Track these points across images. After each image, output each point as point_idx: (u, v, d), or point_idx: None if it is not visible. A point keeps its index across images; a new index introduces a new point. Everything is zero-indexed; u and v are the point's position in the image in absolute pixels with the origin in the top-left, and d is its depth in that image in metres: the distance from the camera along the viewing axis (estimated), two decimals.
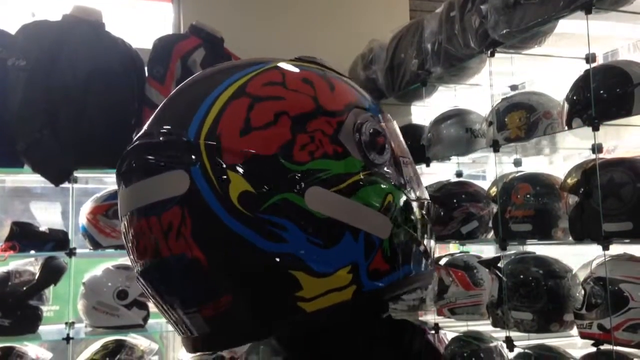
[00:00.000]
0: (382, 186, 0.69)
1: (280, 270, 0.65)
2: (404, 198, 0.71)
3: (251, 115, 0.67)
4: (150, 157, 0.67)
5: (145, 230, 0.66)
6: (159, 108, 0.74)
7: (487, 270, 2.33)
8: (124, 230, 0.70)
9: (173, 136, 0.67)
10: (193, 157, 0.65)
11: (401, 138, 0.77)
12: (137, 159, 0.68)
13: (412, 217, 0.72)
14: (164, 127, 0.69)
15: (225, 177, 0.64)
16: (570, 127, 1.95)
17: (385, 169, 0.70)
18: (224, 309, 0.66)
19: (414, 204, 0.73)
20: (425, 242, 0.75)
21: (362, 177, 0.67)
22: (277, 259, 0.64)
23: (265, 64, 0.73)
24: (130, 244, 0.69)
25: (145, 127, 0.71)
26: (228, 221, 0.63)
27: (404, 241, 0.70)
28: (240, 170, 0.64)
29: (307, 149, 0.66)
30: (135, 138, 0.70)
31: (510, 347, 2.12)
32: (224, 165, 0.64)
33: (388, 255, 0.68)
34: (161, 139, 0.68)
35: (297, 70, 0.73)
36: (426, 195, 0.78)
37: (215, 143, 0.65)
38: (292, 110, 0.67)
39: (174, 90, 0.75)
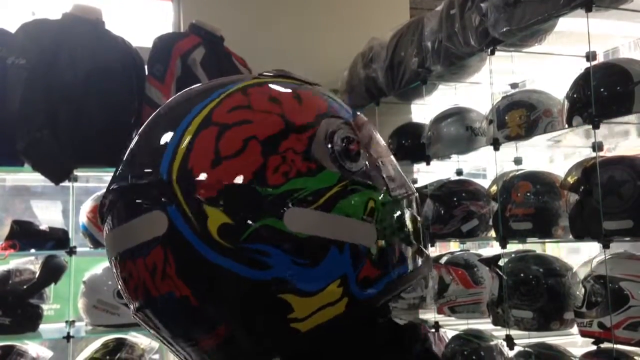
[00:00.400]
0: (362, 193, 0.68)
1: (269, 296, 0.64)
2: (387, 199, 0.70)
3: (220, 145, 0.65)
4: (127, 200, 0.68)
5: (132, 272, 0.67)
6: (130, 147, 0.73)
7: (487, 268, 2.33)
8: (114, 271, 0.70)
9: (146, 177, 0.66)
10: (168, 196, 0.64)
11: (378, 137, 0.75)
12: (115, 203, 0.69)
13: (399, 215, 0.72)
14: (137, 168, 0.69)
15: (201, 212, 0.63)
16: (570, 125, 1.95)
17: (363, 174, 0.69)
18: (222, 339, 0.66)
19: (400, 202, 0.73)
20: (415, 236, 0.74)
21: (339, 189, 0.66)
22: (264, 286, 0.64)
23: (230, 86, 0.71)
24: (121, 284, 0.70)
25: (119, 169, 0.72)
26: (210, 256, 0.63)
27: (392, 243, 0.70)
28: (216, 203, 0.63)
29: (280, 170, 0.64)
30: (111, 182, 0.72)
31: (511, 345, 2.12)
32: (200, 200, 0.63)
33: (377, 261, 0.68)
34: (135, 181, 0.68)
35: (262, 89, 0.71)
36: (411, 188, 0.77)
37: (187, 179, 0.64)
38: (261, 134, 0.66)
39: (144, 126, 0.74)
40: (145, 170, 0.67)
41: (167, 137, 0.67)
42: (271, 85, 0.72)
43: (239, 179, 0.64)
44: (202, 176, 0.64)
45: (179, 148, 0.66)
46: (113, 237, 0.69)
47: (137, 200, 0.67)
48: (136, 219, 0.66)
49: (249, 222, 0.63)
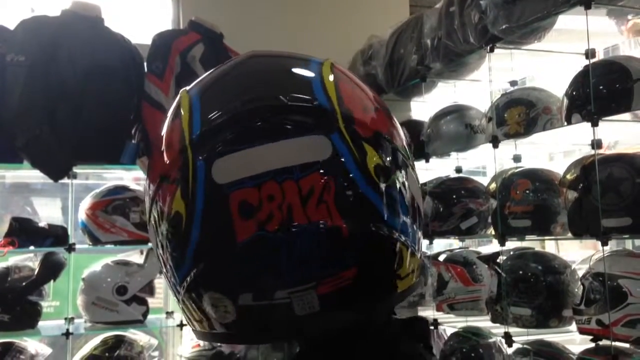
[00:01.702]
0: None
1: (392, 244, 0.66)
2: None
3: (361, 96, 0.71)
4: (280, 119, 0.64)
5: (275, 194, 0.61)
6: (236, 78, 0.71)
7: (486, 266, 2.33)
8: (236, 197, 0.62)
9: (302, 102, 0.66)
10: (331, 124, 0.64)
11: None
12: (263, 120, 0.64)
13: None
14: (285, 90, 0.66)
15: (361, 147, 0.65)
16: (569, 122, 1.95)
17: None
18: (344, 284, 0.64)
19: None
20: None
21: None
22: (392, 232, 0.66)
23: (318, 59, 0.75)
24: (245, 207, 0.62)
25: (240, 93, 0.67)
26: (365, 190, 0.64)
27: None
28: (372, 143, 0.66)
29: (397, 135, 0.71)
30: (239, 102, 0.65)
31: (509, 342, 2.12)
32: (360, 136, 0.65)
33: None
34: (289, 102, 0.65)
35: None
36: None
37: (347, 112, 0.65)
38: (379, 101, 0.73)
39: (239, 63, 0.74)
40: (301, 95, 0.66)
41: (303, 72, 0.70)
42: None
43: (383, 129, 0.68)
44: (360, 116, 0.67)
45: (325, 81, 0.67)
46: (255, 154, 0.63)
47: (293, 121, 0.64)
48: (293, 139, 0.63)
49: (391, 169, 0.67)
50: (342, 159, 0.63)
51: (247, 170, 0.62)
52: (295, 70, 0.71)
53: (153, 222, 0.70)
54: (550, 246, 2.69)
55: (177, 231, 0.65)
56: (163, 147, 0.69)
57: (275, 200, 0.61)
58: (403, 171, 0.69)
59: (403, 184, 0.68)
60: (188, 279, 0.66)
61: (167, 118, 0.74)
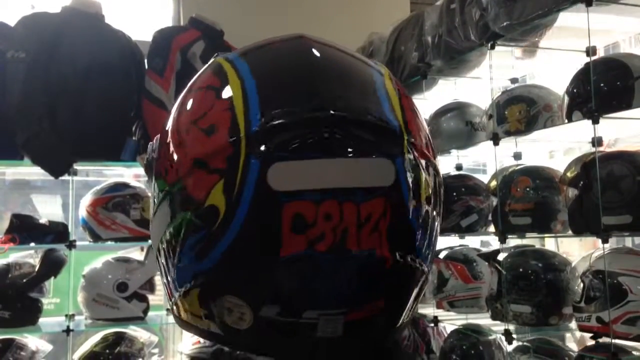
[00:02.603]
0: None
1: (423, 276, 0.64)
2: None
3: (418, 116, 0.65)
4: (350, 134, 0.59)
5: (334, 215, 0.57)
6: (298, 70, 0.64)
7: (486, 263, 2.33)
8: (291, 208, 0.57)
9: (373, 118, 0.60)
10: (399, 148, 0.60)
11: None
12: (332, 132, 0.58)
13: None
14: (352, 103, 0.61)
15: (419, 176, 0.61)
16: (570, 120, 1.94)
17: None
18: (371, 313, 0.62)
19: None
20: None
21: None
22: (424, 264, 0.64)
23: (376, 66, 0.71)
24: (296, 224, 0.57)
25: (306, 94, 0.61)
26: (412, 221, 0.60)
27: None
28: (426, 171, 0.62)
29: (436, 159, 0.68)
30: (306, 106, 0.59)
31: (509, 340, 2.12)
32: (419, 164, 0.61)
33: None
34: (360, 117, 0.60)
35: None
36: None
37: (411, 138, 0.61)
38: (424, 120, 0.69)
39: (296, 49, 0.66)
40: (372, 111, 0.61)
41: (372, 83, 0.64)
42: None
43: (433, 156, 0.64)
44: (418, 139, 0.62)
45: (391, 96, 0.63)
46: (317, 166, 0.58)
47: (365, 137, 0.59)
48: (367, 159, 0.58)
49: (438, 200, 0.65)
50: (402, 187, 0.60)
51: (309, 182, 0.57)
52: (360, 76, 0.66)
53: (163, 197, 0.64)
54: (550, 244, 2.69)
55: (208, 225, 0.60)
56: (201, 124, 0.62)
57: (332, 220, 0.57)
58: (439, 199, 0.65)
59: (439, 213, 0.65)
60: (206, 275, 0.62)
61: (201, 84, 0.67)
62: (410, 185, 0.60)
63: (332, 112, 0.58)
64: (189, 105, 0.67)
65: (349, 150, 0.58)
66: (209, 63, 0.71)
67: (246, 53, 0.69)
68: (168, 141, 0.66)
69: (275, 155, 0.58)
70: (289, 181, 0.57)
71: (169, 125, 0.68)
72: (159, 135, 0.70)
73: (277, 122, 0.58)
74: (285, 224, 0.57)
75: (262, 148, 0.58)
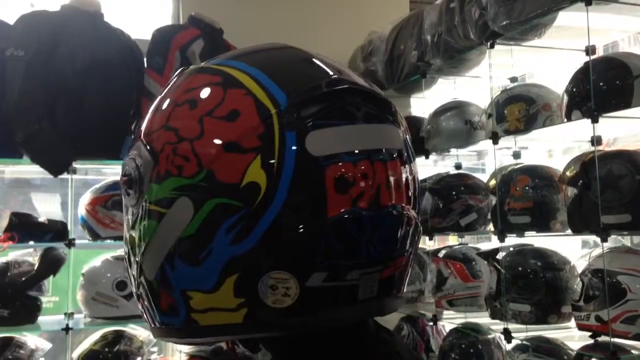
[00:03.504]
0: None
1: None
2: None
3: None
4: (366, 104, 0.68)
5: (369, 173, 0.64)
6: (295, 59, 0.72)
7: (485, 262, 2.33)
8: (333, 170, 0.63)
9: (381, 94, 0.71)
10: (396, 118, 0.70)
11: None
12: (353, 102, 0.67)
13: None
14: (360, 81, 0.70)
15: (408, 141, 0.73)
16: (569, 119, 1.95)
17: None
18: (397, 271, 0.69)
19: None
20: None
21: None
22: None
23: None
24: (339, 185, 0.63)
25: (316, 74, 0.69)
26: (415, 180, 0.72)
27: None
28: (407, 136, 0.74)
29: None
30: (322, 82, 0.67)
31: (508, 338, 2.12)
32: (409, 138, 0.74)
33: None
34: (374, 93, 0.70)
35: None
36: None
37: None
38: None
39: (280, 48, 0.74)
40: (377, 90, 0.72)
41: (350, 67, 0.82)
42: None
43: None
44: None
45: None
46: (348, 131, 0.65)
47: (378, 110, 0.68)
48: (381, 125, 0.68)
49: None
50: (407, 149, 0.70)
51: (344, 146, 0.64)
52: (344, 64, 0.79)
53: (179, 194, 0.65)
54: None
55: (249, 203, 0.62)
56: (218, 113, 0.65)
57: (368, 178, 0.64)
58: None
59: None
60: (247, 257, 0.63)
61: (191, 86, 0.70)
62: (409, 148, 0.70)
63: (346, 85, 0.67)
64: (187, 105, 0.69)
65: (369, 117, 0.67)
66: (181, 73, 0.75)
67: (234, 57, 0.73)
68: (173, 140, 0.67)
69: (308, 125, 0.63)
70: (326, 146, 0.63)
71: (164, 127, 0.69)
72: (143, 146, 0.69)
73: (302, 97, 0.64)
74: (329, 185, 0.62)
75: (296, 121, 0.63)
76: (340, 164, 0.63)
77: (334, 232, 0.63)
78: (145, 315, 0.74)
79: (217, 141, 0.64)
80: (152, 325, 0.73)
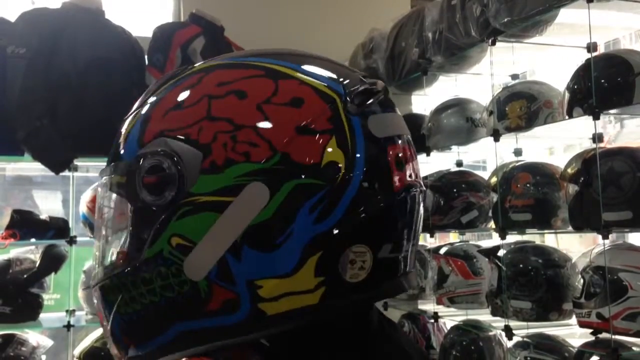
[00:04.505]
0: None
1: None
2: None
3: None
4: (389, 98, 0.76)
5: (408, 153, 0.73)
6: (318, 60, 0.76)
7: (486, 259, 2.33)
8: (392, 150, 0.71)
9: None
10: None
11: None
12: (386, 95, 0.74)
13: None
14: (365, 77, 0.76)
15: None
16: (570, 116, 1.95)
17: None
18: (416, 246, 0.77)
19: None
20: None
21: None
22: None
23: None
24: (397, 162, 0.71)
25: (345, 71, 0.75)
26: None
27: None
28: None
29: None
30: (358, 75, 0.74)
31: (509, 335, 2.12)
32: None
33: None
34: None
35: None
36: None
37: None
38: None
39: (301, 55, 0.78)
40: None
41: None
42: None
43: None
44: None
45: None
46: (394, 118, 0.74)
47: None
48: (399, 114, 0.76)
49: None
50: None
51: (394, 129, 0.72)
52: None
53: (251, 179, 0.65)
54: (550, 240, 2.69)
55: (331, 181, 0.66)
56: (278, 100, 0.68)
57: (411, 157, 0.73)
58: None
59: None
60: (330, 233, 0.65)
61: (233, 78, 0.71)
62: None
63: (377, 80, 0.74)
64: (233, 95, 0.69)
65: (394, 107, 0.75)
66: (178, 74, 0.75)
67: (260, 55, 0.75)
68: (229, 129, 0.67)
69: (366, 111, 0.70)
70: (385, 129, 0.71)
71: (208, 118, 0.68)
72: (175, 141, 0.68)
73: (353, 88, 0.71)
74: (392, 163, 0.70)
75: (356, 107, 0.69)
76: (395, 145, 0.71)
77: (399, 205, 0.70)
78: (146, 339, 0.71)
79: (288, 125, 0.67)
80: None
